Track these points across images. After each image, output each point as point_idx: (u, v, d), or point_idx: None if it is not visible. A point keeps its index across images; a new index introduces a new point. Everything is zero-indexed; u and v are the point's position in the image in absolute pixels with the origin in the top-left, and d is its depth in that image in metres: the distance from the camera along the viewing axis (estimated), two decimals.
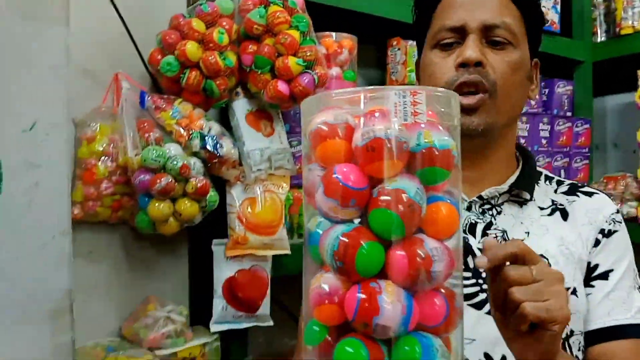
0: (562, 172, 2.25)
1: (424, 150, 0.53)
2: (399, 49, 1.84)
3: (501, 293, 0.66)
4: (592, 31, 2.40)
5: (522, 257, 0.67)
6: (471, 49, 0.87)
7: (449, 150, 0.54)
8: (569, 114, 2.29)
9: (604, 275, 0.91)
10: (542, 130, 2.18)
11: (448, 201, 0.55)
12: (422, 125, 0.53)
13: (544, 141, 2.19)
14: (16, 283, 1.07)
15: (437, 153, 0.53)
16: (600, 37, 2.41)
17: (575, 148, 2.31)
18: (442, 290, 0.55)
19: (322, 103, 0.57)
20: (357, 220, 0.55)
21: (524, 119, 2.12)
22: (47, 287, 1.12)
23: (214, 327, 1.46)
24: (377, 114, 0.53)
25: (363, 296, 0.51)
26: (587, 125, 2.32)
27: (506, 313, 0.67)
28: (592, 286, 0.91)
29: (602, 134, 2.71)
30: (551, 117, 2.20)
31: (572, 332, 0.88)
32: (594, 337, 0.90)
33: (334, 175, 0.53)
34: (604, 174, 2.41)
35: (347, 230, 0.53)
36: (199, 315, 1.52)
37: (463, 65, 0.88)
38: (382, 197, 0.52)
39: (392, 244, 0.52)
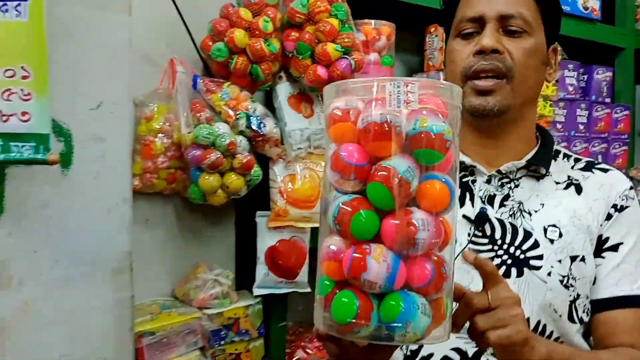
0: (600, 157, 2.27)
1: (418, 134, 0.61)
2: (436, 36, 1.91)
3: (465, 317, 0.73)
4: (635, 18, 2.39)
5: (486, 275, 0.74)
6: (488, 38, 0.95)
7: (442, 135, 0.61)
8: (607, 100, 2.30)
9: (614, 248, 0.96)
10: (580, 116, 2.21)
11: (442, 180, 0.62)
12: (424, 112, 0.61)
13: (581, 127, 2.21)
14: (86, 243, 1.21)
15: (430, 137, 0.60)
16: None
17: (614, 134, 2.30)
18: (433, 257, 0.62)
19: (339, 90, 0.66)
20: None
21: (561, 104, 2.15)
22: (111, 248, 1.25)
23: (257, 291, 1.58)
24: (375, 102, 0.61)
25: (355, 255, 0.59)
26: (626, 112, 2.32)
27: (471, 335, 0.74)
28: (602, 257, 0.97)
29: None
30: (589, 103, 2.22)
31: (578, 295, 0.95)
32: (600, 305, 0.96)
33: (339, 153, 0.62)
34: None
35: (347, 199, 0.62)
36: (244, 280, 1.64)
37: (480, 52, 0.95)
38: (377, 173, 0.60)
39: (386, 213, 0.60)
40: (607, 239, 0.97)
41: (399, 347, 0.98)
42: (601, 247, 0.97)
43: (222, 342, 1.56)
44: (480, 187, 1.00)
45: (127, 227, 1.30)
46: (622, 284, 0.95)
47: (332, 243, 0.63)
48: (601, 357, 0.90)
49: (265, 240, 1.56)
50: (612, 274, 0.96)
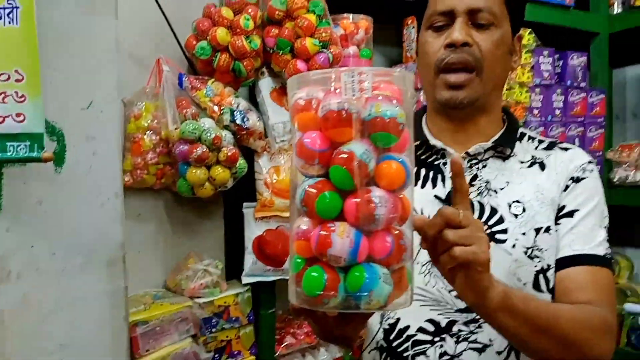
0: (577, 141, 2.32)
1: (374, 119, 0.64)
2: (413, 27, 1.95)
3: (435, 228, 0.75)
4: (608, 3, 2.43)
5: (461, 194, 0.78)
6: (457, 31, 0.98)
7: (395, 119, 0.65)
8: (583, 84, 2.35)
9: (570, 214, 1.02)
10: (556, 101, 2.25)
11: (398, 160, 0.66)
12: (379, 98, 0.66)
13: (557, 111, 2.25)
14: (81, 236, 1.25)
15: (385, 121, 0.64)
16: (617, 9, 2.44)
17: (590, 118, 2.34)
18: (393, 231, 0.66)
19: (301, 81, 0.70)
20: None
21: (537, 90, 2.20)
22: (105, 240, 1.30)
23: (245, 279, 1.63)
24: (333, 91, 0.66)
25: (321, 233, 0.64)
26: (602, 95, 2.36)
27: (438, 254, 0.77)
28: (559, 223, 1.02)
29: (621, 104, 2.74)
30: (565, 89, 2.27)
31: (548, 266, 1.00)
32: (558, 265, 1.01)
33: (303, 140, 0.66)
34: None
35: (312, 182, 0.66)
36: (233, 269, 1.69)
37: (450, 45, 0.99)
38: (338, 157, 0.65)
39: (347, 193, 0.65)
40: (563, 207, 1.03)
41: (379, 323, 1.05)
42: (558, 214, 1.02)
43: (213, 330, 1.61)
44: (450, 169, 1.05)
45: (119, 220, 1.33)
46: (575, 244, 1.00)
47: (301, 224, 0.68)
48: (559, 307, 0.94)
49: (253, 230, 1.61)
50: (567, 237, 1.01)
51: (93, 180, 1.26)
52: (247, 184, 1.61)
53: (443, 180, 1.06)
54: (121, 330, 1.41)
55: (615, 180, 2.35)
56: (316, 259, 0.67)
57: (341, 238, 0.64)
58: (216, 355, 1.65)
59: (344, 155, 0.65)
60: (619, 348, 2.20)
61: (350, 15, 1.78)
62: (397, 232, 0.67)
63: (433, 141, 1.08)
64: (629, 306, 2.22)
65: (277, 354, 1.78)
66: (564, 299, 0.97)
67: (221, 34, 1.47)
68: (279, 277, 1.65)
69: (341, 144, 0.66)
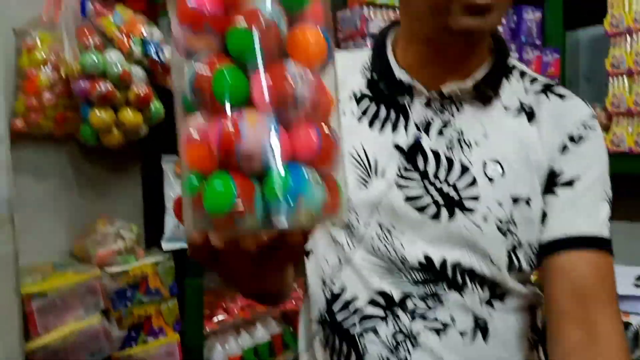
0: None
1: None
2: None
3: None
4: None
5: None
6: None
7: None
8: (537, 42, 2.25)
9: (569, 183, 0.82)
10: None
11: (315, 27, 0.50)
12: None
13: None
14: None
15: None
16: None
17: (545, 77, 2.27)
18: (318, 123, 0.51)
19: None
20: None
21: None
22: None
23: (166, 245, 1.45)
24: None
25: (225, 125, 0.47)
26: (556, 56, 2.29)
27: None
28: (554, 193, 0.83)
29: (574, 67, 2.67)
30: (519, 45, 2.16)
31: (520, 243, 0.81)
32: (552, 247, 0.82)
33: (187, 2, 0.49)
34: None
35: (203, 60, 0.49)
36: (152, 234, 1.51)
37: None
38: (238, 17, 0.48)
39: (252, 68, 0.49)
40: (560, 173, 0.83)
41: (321, 287, 0.85)
42: (553, 181, 0.83)
43: (129, 304, 1.44)
44: (417, 111, 0.85)
45: (4, 172, 1.13)
46: (578, 222, 0.81)
47: (192, 124, 0.51)
48: None
49: (175, 188, 1.44)
50: (567, 212, 0.82)
51: None
52: (166, 132, 1.39)
53: (406, 125, 0.84)
54: (11, 304, 1.21)
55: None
56: (220, 169, 0.48)
57: (253, 127, 0.47)
58: (132, 333, 1.46)
59: (247, 15, 0.48)
60: None
61: None
62: (324, 126, 0.51)
63: (398, 73, 0.85)
64: None
65: (206, 331, 1.62)
66: (562, 291, 0.80)
67: None
68: None
69: (236, 3, 0.49)
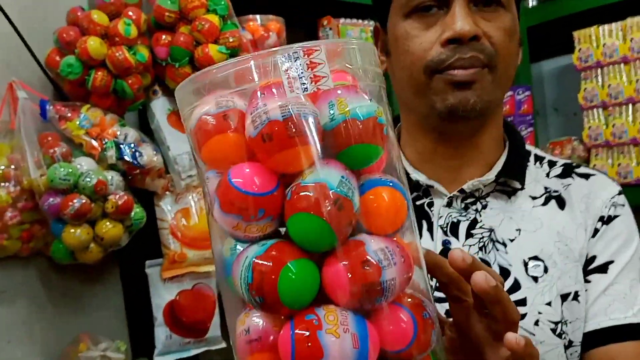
0: None
1: (341, 125, 0.41)
2: (330, 29, 1.71)
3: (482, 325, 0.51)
4: None
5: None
6: (462, 19, 0.70)
7: (374, 118, 0.42)
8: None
9: (603, 268, 0.78)
10: None
11: (388, 184, 0.44)
12: (338, 92, 0.41)
13: None
14: None
15: (359, 125, 0.42)
16: (532, 2, 2.38)
17: (519, 116, 2.26)
18: (406, 301, 0.44)
19: (200, 86, 0.44)
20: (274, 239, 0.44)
21: None
22: None
23: (159, 359, 1.31)
24: (267, 90, 0.41)
25: (299, 335, 0.39)
26: (528, 92, 2.29)
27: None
28: (589, 281, 0.78)
29: (541, 99, 2.69)
30: None
31: (570, 342, 0.75)
32: (590, 340, 0.76)
33: (229, 181, 0.41)
34: (548, 140, 2.37)
35: (260, 251, 0.41)
36: (141, 348, 1.37)
37: (454, 41, 0.71)
38: (299, 198, 0.40)
39: (324, 256, 0.41)
40: (593, 257, 0.78)
41: None
42: (587, 268, 0.78)
43: None
44: (439, 213, 0.79)
45: None
46: (613, 311, 0.76)
47: (251, 324, 0.43)
48: None
49: (162, 295, 1.32)
50: (601, 299, 0.77)
51: None
52: (148, 235, 1.30)
53: (430, 229, 0.78)
54: None
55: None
56: None
57: (336, 336, 0.39)
58: None
59: (310, 193, 0.40)
60: None
61: (258, 17, 1.52)
62: (411, 300, 0.44)
63: (414, 174, 0.80)
64: None
65: None
66: None
67: (94, 45, 1.17)
68: (203, 349, 1.35)
69: (296, 175, 0.41)
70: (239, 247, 0.43)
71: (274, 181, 0.41)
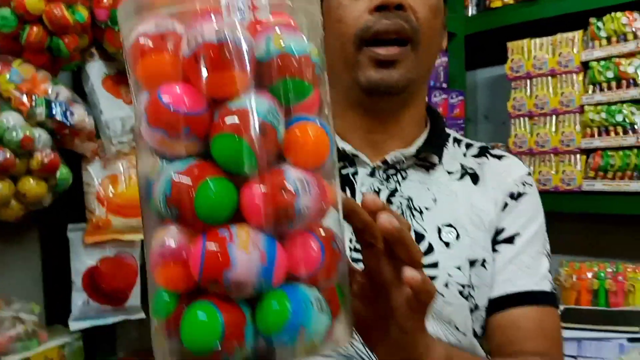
0: None
1: (275, 59, 0.43)
2: None
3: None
4: (464, 4, 2.44)
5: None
6: None
7: (308, 57, 0.45)
8: (444, 85, 2.33)
9: (510, 239, 0.85)
10: None
11: (315, 121, 0.46)
12: (277, 28, 0.43)
13: None
14: None
15: (293, 61, 0.44)
16: (472, 11, 2.46)
17: (451, 119, 2.34)
18: (318, 231, 0.46)
19: (142, 6, 0.45)
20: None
21: None
22: None
23: (74, 325, 1.31)
24: (205, 14, 0.42)
25: (209, 247, 0.41)
26: (461, 97, 2.38)
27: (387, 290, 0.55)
28: (497, 251, 0.85)
29: (473, 106, 2.79)
30: (429, 89, 2.22)
31: (476, 306, 0.81)
32: (495, 305, 0.83)
33: (159, 99, 0.42)
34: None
35: (182, 167, 0.42)
36: (56, 313, 1.36)
37: (381, 7, 0.77)
38: (225, 120, 0.42)
39: (244, 178, 0.43)
40: (502, 230, 0.85)
41: None
42: (496, 239, 0.85)
43: None
44: (362, 181, 0.85)
45: None
46: (518, 279, 0.83)
47: (167, 237, 0.44)
48: None
49: (82, 260, 1.30)
50: (507, 269, 0.83)
51: None
52: (73, 198, 1.29)
53: (353, 195, 0.84)
54: None
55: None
56: (199, 290, 0.42)
57: (245, 251, 0.41)
58: None
59: (236, 117, 0.42)
60: None
61: None
62: (324, 231, 0.46)
63: (340, 143, 0.85)
64: None
65: None
66: (506, 348, 0.79)
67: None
68: (120, 318, 1.35)
69: (226, 99, 0.43)
70: (163, 163, 0.45)
71: (203, 103, 0.43)
